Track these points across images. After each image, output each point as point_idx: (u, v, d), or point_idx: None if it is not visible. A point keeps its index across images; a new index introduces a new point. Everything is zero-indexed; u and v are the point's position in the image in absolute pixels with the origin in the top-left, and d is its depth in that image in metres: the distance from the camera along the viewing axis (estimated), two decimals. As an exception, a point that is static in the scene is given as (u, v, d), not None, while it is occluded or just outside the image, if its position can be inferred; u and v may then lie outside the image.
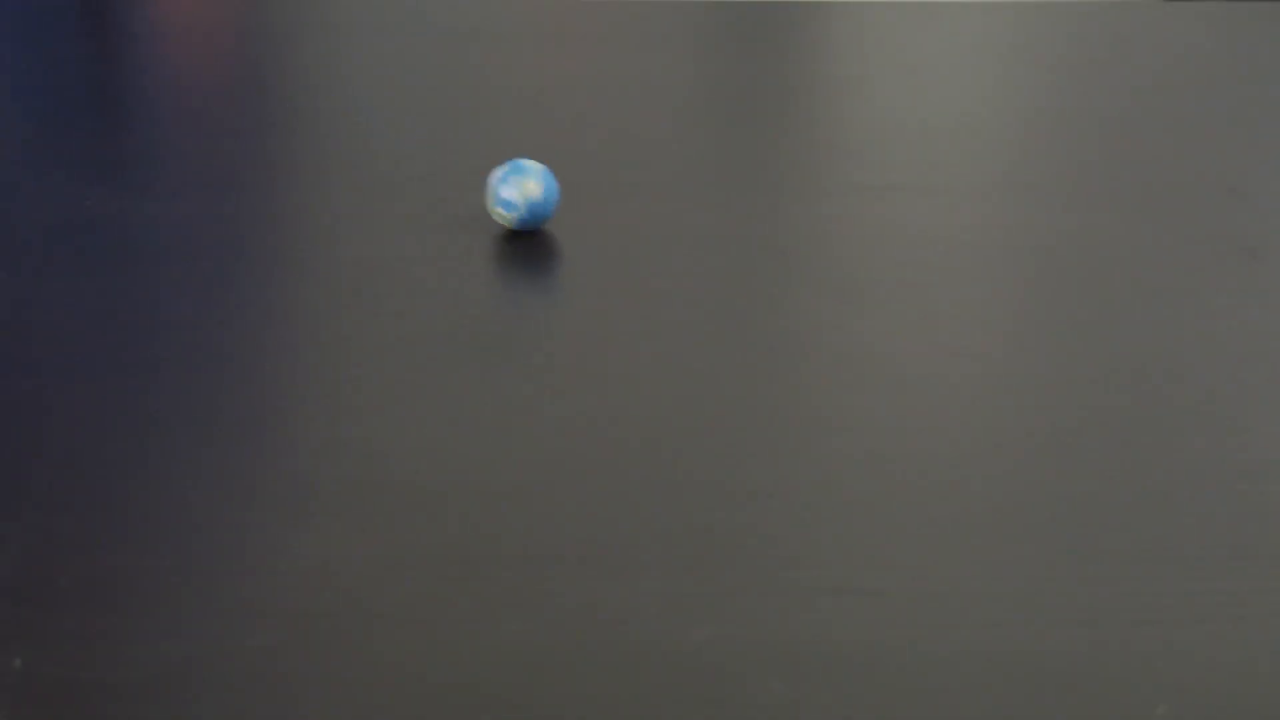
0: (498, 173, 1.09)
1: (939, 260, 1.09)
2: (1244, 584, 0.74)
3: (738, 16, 1.77)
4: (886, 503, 0.80)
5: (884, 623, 0.71)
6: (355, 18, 1.74)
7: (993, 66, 1.58)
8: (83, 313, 1.00)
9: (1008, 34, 1.70)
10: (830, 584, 0.74)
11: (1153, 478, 0.83)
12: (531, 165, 1.10)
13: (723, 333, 0.98)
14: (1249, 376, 0.93)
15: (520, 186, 1.09)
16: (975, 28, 1.72)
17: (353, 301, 1.02)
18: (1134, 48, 1.63)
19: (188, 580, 0.74)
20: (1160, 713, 0.65)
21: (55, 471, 0.83)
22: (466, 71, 1.55)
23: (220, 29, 1.72)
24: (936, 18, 1.76)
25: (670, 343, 0.97)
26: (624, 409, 0.89)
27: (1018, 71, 1.57)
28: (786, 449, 0.85)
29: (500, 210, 1.09)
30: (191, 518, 0.78)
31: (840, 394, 0.91)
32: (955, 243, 1.13)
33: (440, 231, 1.14)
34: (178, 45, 1.64)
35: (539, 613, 0.72)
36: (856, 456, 0.84)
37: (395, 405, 0.89)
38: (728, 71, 1.56)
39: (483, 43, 1.64)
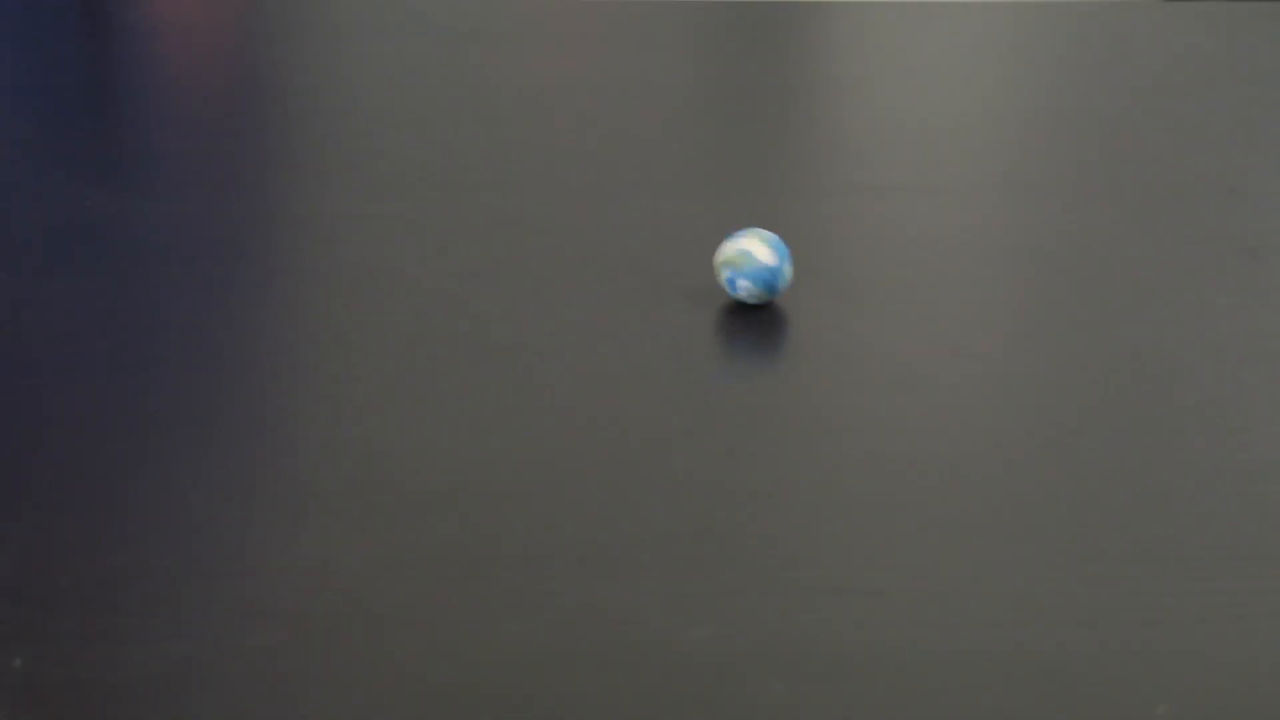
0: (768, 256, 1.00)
1: (939, 260, 1.09)
2: (1244, 584, 0.74)
3: (738, 16, 1.77)
4: (886, 503, 0.80)
5: (884, 623, 0.71)
6: (355, 18, 1.74)
7: (993, 66, 1.58)
8: (83, 313, 1.00)
9: (1008, 34, 1.70)
10: (830, 584, 0.74)
11: (1153, 478, 0.83)
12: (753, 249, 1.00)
13: (722, 332, 0.98)
14: (1249, 376, 0.93)
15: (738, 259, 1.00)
16: (975, 28, 1.72)
17: (353, 302, 1.02)
18: (1134, 48, 1.63)
19: (188, 580, 0.73)
20: (1160, 713, 0.65)
21: (55, 471, 0.83)
22: (466, 71, 1.55)
23: (220, 29, 1.72)
24: (936, 18, 1.76)
25: (669, 342, 0.97)
26: (623, 409, 0.89)
27: (1018, 71, 1.56)
28: (786, 449, 0.85)
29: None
30: (191, 518, 0.78)
31: (840, 394, 0.91)
32: (955, 243, 1.13)
33: (439, 232, 1.14)
34: (178, 45, 1.64)
35: (539, 613, 0.72)
36: (856, 456, 0.84)
37: (395, 405, 0.89)
38: (728, 71, 1.56)
39: (483, 43, 1.64)
